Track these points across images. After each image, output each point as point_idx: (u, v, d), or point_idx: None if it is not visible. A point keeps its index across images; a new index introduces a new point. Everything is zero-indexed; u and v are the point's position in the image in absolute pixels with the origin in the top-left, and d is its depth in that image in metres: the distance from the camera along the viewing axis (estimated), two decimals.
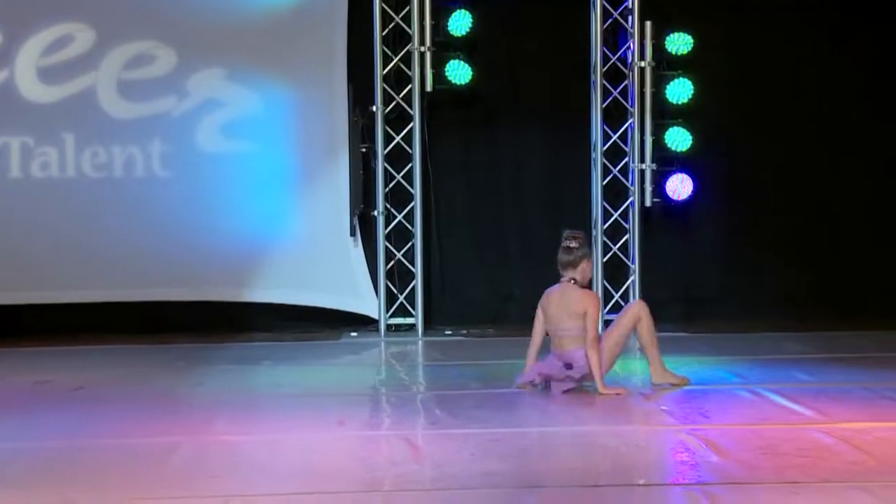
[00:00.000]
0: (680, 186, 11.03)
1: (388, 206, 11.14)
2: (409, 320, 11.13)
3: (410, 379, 9.23)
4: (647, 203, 11.08)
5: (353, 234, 11.07)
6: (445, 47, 11.10)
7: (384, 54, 11.09)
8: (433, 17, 11.02)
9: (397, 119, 11.16)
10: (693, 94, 11.03)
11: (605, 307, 11.15)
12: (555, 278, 11.24)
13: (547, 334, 8.19)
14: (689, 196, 11.05)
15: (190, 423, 7.38)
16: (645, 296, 11.08)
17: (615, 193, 11.25)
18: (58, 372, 9.23)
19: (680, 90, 11.05)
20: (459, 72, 11.11)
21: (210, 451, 6.67)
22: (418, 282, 11.10)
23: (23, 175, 10.97)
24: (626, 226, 11.22)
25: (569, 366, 7.99)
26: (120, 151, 11.05)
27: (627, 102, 11.20)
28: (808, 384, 8.23)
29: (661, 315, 11.09)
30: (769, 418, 7.15)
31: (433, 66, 11.03)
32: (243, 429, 7.24)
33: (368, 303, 11.14)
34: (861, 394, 7.86)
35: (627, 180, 11.23)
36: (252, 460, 6.53)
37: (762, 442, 6.51)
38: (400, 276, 11.15)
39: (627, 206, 11.23)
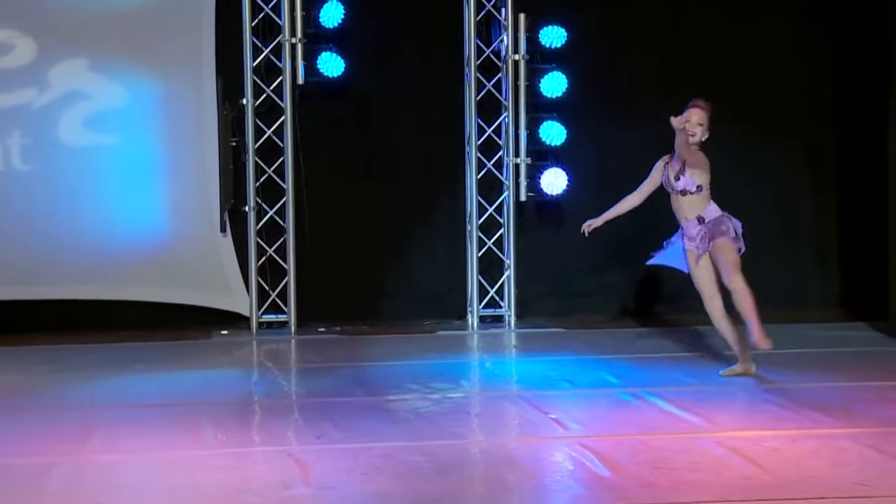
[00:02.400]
0: (554, 180, 10.95)
1: (260, 201, 10.88)
2: (282, 317, 10.90)
3: (289, 384, 9.00)
4: (522, 197, 10.99)
5: (223, 230, 10.79)
6: (317, 39, 10.85)
7: (254, 46, 10.81)
8: (304, 7, 10.76)
9: (268, 112, 10.89)
10: (567, 88, 10.94)
11: (480, 303, 11.06)
12: (429, 276, 11.21)
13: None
14: (564, 190, 10.97)
15: (64, 440, 7.05)
16: (519, 291, 11.05)
17: (489, 187, 11.14)
18: None
19: (554, 84, 10.96)
20: (331, 64, 10.87)
21: (88, 472, 6.38)
22: (291, 278, 10.87)
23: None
24: (501, 220, 11.12)
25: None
26: None
27: (501, 96, 11.08)
28: (689, 387, 8.21)
29: (535, 310, 11.16)
30: (658, 427, 7.09)
31: (304, 58, 10.77)
32: (121, 446, 6.94)
33: (239, 300, 10.88)
34: (743, 397, 7.86)
35: (502, 174, 11.12)
36: (133, 482, 6.26)
37: (654, 454, 6.44)
38: (272, 272, 10.90)
39: (502, 201, 11.12)
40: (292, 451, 6.67)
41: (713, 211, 8.34)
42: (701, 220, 8.31)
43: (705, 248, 8.34)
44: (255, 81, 10.82)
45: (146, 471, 6.43)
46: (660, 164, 8.55)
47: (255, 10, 10.81)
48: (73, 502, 5.88)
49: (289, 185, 10.85)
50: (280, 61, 10.80)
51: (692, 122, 8.30)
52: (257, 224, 10.87)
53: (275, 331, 10.81)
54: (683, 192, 8.34)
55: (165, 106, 10.79)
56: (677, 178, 8.35)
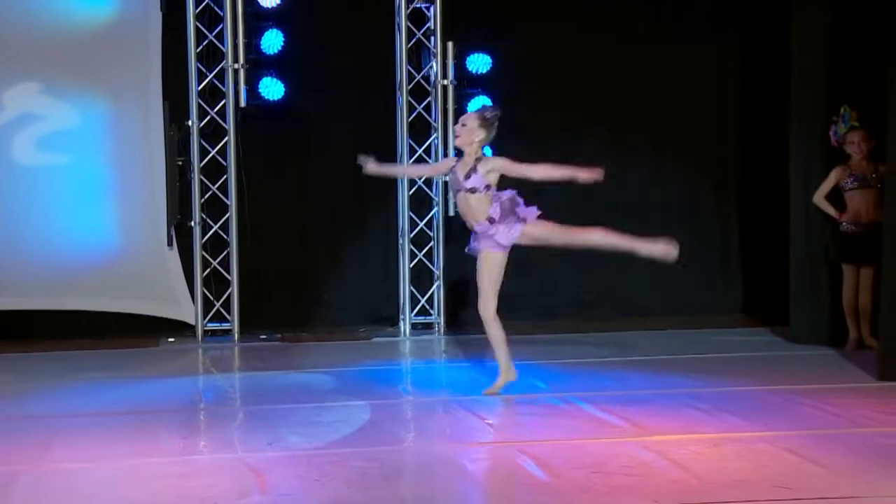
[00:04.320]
0: None
1: (205, 216, 10.64)
2: (226, 325, 10.67)
3: (235, 391, 8.76)
4: (451, 213, 10.84)
5: (169, 244, 10.54)
6: (258, 64, 10.64)
7: (199, 71, 10.57)
8: (246, 35, 10.54)
9: (213, 133, 10.67)
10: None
11: (412, 311, 10.90)
12: (364, 286, 11.04)
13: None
14: None
15: (26, 449, 6.76)
16: (448, 300, 10.91)
17: (419, 203, 10.98)
18: None
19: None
20: (272, 88, 10.70)
21: (51, 481, 6.11)
22: (234, 288, 10.65)
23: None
24: (431, 234, 10.98)
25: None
26: None
27: (431, 118, 10.93)
28: (614, 391, 8.11)
29: (464, 318, 11.00)
30: (589, 432, 6.96)
31: (246, 83, 10.55)
32: (82, 454, 6.66)
33: (185, 309, 10.63)
34: (663, 402, 7.76)
35: (432, 191, 10.97)
36: (95, 491, 6.00)
37: (588, 459, 6.32)
38: (216, 283, 10.67)
39: (432, 216, 10.98)
40: (246, 459, 6.45)
41: (498, 209, 7.84)
42: (491, 220, 7.84)
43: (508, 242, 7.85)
44: (199, 104, 10.59)
45: (107, 480, 6.17)
46: (450, 161, 8.29)
47: (200, 37, 10.59)
48: None
49: (232, 201, 10.63)
50: (223, 85, 10.58)
51: (460, 124, 7.99)
52: (202, 238, 10.64)
53: (219, 338, 10.58)
54: (472, 191, 7.85)
55: (115, 127, 10.53)
56: (468, 177, 7.88)
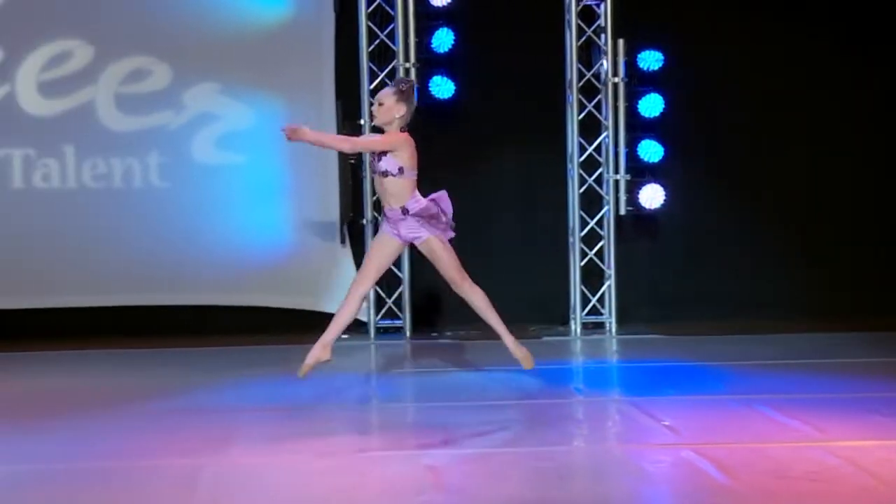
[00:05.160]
0: (653, 196, 10.65)
1: (376, 214, 10.69)
2: (397, 323, 10.71)
3: (409, 388, 8.77)
4: (622, 211, 10.70)
5: (342, 241, 10.63)
6: (429, 63, 10.66)
7: (370, 70, 10.63)
8: (417, 34, 10.57)
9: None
10: (664, 109, 10.65)
11: (582, 311, 10.78)
12: (530, 279, 10.96)
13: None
14: (661, 205, 10.68)
15: (208, 442, 6.85)
16: (620, 299, 10.77)
17: (590, 202, 10.86)
18: (60, 377, 8.73)
19: (651, 105, 10.68)
20: (442, 87, 10.69)
21: (233, 476, 6.17)
22: (406, 286, 10.68)
23: (25, 186, 10.44)
24: (602, 233, 10.84)
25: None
26: (119, 163, 10.54)
27: (601, 116, 10.80)
28: (792, 394, 7.86)
29: (634, 317, 10.85)
30: (770, 436, 6.75)
31: (417, 81, 10.54)
32: (261, 449, 6.73)
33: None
34: (845, 406, 7.48)
35: (602, 190, 10.84)
36: (275, 486, 6.04)
37: (771, 463, 6.12)
38: (388, 280, 10.70)
39: (603, 215, 10.84)
40: (420, 456, 6.43)
41: (418, 201, 7.61)
42: (405, 211, 7.57)
43: (410, 238, 7.66)
44: (371, 103, 10.62)
45: (285, 475, 6.21)
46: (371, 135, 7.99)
47: (372, 36, 10.65)
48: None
49: None
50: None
51: (377, 103, 7.66)
52: (373, 236, 10.67)
53: (391, 336, 10.61)
54: (385, 174, 7.58)
55: None
56: (379, 159, 7.58)
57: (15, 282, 10.37)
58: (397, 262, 10.68)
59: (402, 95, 7.55)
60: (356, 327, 10.65)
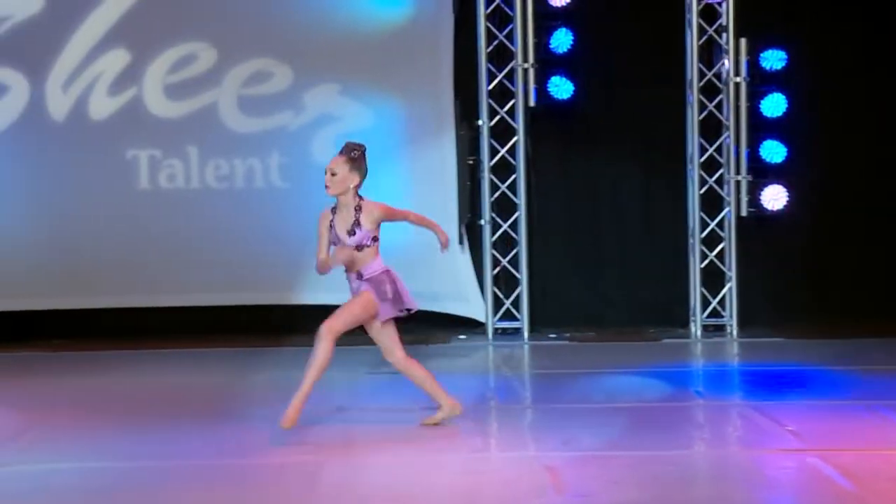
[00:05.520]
0: (775, 197, 10.45)
1: (494, 215, 10.67)
2: (515, 324, 10.66)
3: (527, 389, 8.73)
4: (743, 213, 10.52)
5: (460, 242, 10.62)
6: (547, 63, 10.59)
7: (489, 71, 10.61)
8: (535, 34, 10.52)
9: (502, 132, 10.67)
10: (787, 108, 10.45)
11: (702, 313, 10.62)
12: (649, 281, 10.84)
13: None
14: (784, 206, 10.47)
15: (330, 439, 6.89)
16: (741, 301, 10.58)
17: (711, 204, 10.69)
18: (188, 375, 8.86)
19: (774, 104, 10.48)
20: (561, 87, 10.61)
21: (355, 472, 6.20)
22: (524, 287, 10.64)
23: (151, 186, 10.59)
24: (722, 234, 10.67)
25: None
26: (241, 164, 10.65)
27: (722, 116, 10.63)
28: None
29: (755, 319, 10.65)
30: None
31: (536, 82, 10.53)
32: (383, 447, 6.75)
33: (476, 307, 10.67)
34: None
35: (723, 191, 10.67)
36: (395, 483, 6.05)
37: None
38: (506, 281, 10.68)
39: (724, 216, 10.67)
40: (540, 458, 6.39)
41: (376, 266, 7.15)
42: (360, 275, 7.09)
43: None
44: (489, 104, 10.63)
45: (407, 473, 6.23)
46: (324, 217, 7.26)
47: (490, 37, 10.63)
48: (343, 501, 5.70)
49: (521, 200, 10.63)
50: (513, 85, 10.58)
51: (329, 174, 7.13)
52: (492, 236, 10.67)
53: (509, 336, 10.57)
54: (359, 248, 7.10)
55: (407, 127, 10.67)
56: (352, 233, 7.10)
57: (141, 281, 10.54)
58: (515, 263, 10.66)
59: (354, 164, 7.11)
60: (474, 328, 10.64)
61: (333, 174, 7.16)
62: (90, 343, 10.15)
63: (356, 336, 10.20)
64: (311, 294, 10.68)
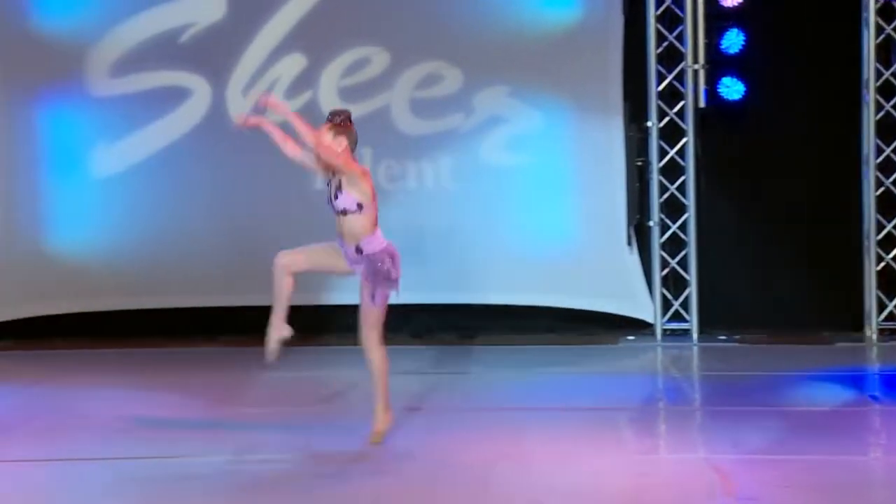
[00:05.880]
0: None
1: (663, 216, 10.60)
2: (684, 325, 10.57)
3: (696, 391, 8.65)
4: None
5: (629, 243, 10.57)
6: (717, 64, 10.48)
7: (658, 72, 10.54)
8: (706, 35, 10.41)
9: (671, 134, 10.60)
10: None
11: (878, 316, 10.36)
12: (821, 282, 10.62)
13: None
14: None
15: (498, 438, 6.95)
16: None
17: (887, 206, 10.43)
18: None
19: None
20: (732, 88, 10.48)
21: (524, 472, 6.25)
22: (693, 288, 10.54)
23: (325, 187, 10.76)
24: None
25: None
26: (412, 165, 10.80)
27: None
28: None
29: None
30: None
31: (706, 83, 10.42)
32: (551, 448, 6.78)
33: (644, 308, 10.62)
34: None
35: None
36: (565, 484, 6.08)
37: None
38: (675, 282, 10.60)
39: None
40: (710, 460, 6.34)
41: (376, 243, 6.88)
42: (359, 250, 6.86)
43: (367, 282, 6.85)
44: (658, 105, 10.56)
45: (575, 474, 6.26)
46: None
47: (660, 38, 10.56)
48: (515, 501, 5.75)
49: (690, 202, 10.54)
50: (682, 86, 10.50)
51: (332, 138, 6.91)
52: (660, 237, 10.60)
53: (678, 338, 10.48)
54: (344, 213, 6.90)
55: (575, 129, 10.66)
56: (335, 196, 6.94)
57: (316, 279, 10.74)
58: (684, 264, 10.57)
59: (339, 129, 6.96)
60: (642, 329, 10.59)
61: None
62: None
63: (512, 336, 10.33)
64: (476, 294, 10.75)
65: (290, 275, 6.96)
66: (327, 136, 6.95)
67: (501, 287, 10.78)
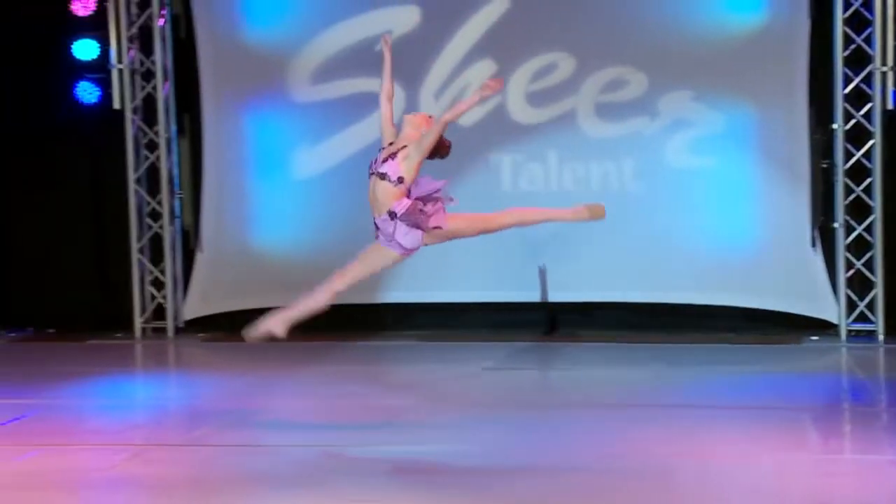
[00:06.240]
0: None
1: (848, 218, 10.59)
2: (869, 326, 10.54)
3: (882, 392, 8.65)
4: None
5: (813, 244, 10.59)
6: None
7: (845, 75, 10.53)
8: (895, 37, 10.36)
9: (857, 136, 10.57)
10: None
11: None
12: None
13: None
14: None
15: (673, 436, 7.09)
16: None
17: None
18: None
19: None
20: None
21: (705, 473, 6.38)
22: (879, 290, 10.50)
23: (512, 189, 11.09)
24: None
25: None
26: (596, 167, 11.00)
27: None
28: None
29: None
30: None
31: (894, 85, 10.36)
32: (730, 448, 6.91)
33: (828, 308, 10.62)
34: None
35: None
36: (747, 485, 6.19)
37: None
38: (860, 284, 10.58)
39: None
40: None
41: (405, 202, 6.92)
42: (392, 214, 6.93)
43: (413, 246, 6.94)
44: (845, 107, 10.55)
45: (756, 474, 6.36)
46: (387, 132, 7.30)
47: (847, 41, 10.54)
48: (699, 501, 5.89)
49: (877, 204, 10.52)
50: (870, 88, 10.46)
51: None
52: (846, 239, 10.58)
53: (863, 339, 10.45)
54: (382, 176, 6.96)
55: (759, 132, 10.72)
56: (385, 160, 7.01)
57: (507, 275, 11.05)
58: (869, 266, 10.54)
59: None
60: (826, 329, 10.59)
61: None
62: (456, 334, 10.90)
63: (693, 334, 10.44)
64: (664, 293, 10.88)
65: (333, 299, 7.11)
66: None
67: (684, 286, 10.88)
